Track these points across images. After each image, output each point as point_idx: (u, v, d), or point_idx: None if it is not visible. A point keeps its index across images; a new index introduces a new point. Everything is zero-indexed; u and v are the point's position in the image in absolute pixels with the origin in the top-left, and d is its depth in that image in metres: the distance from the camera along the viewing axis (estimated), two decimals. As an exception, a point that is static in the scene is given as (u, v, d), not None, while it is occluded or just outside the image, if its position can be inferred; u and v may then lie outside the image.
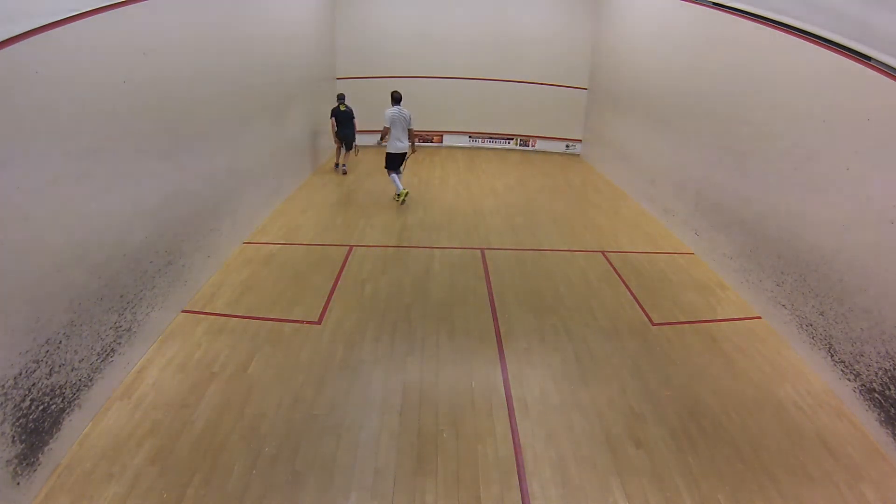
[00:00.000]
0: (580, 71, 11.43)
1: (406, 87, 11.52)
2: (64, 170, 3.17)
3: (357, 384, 3.94)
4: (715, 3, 6.11)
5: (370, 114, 11.73)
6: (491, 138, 12.21)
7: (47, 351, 3.06)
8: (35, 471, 2.92)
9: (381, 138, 7.97)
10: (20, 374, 2.85)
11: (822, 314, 4.27)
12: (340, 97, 9.79)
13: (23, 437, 2.85)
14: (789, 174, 4.75)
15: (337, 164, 10.14)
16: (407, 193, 8.03)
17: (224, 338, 4.44)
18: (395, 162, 8.00)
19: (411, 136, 7.95)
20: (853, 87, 4.01)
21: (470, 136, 12.19)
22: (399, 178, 8.10)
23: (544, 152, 12.09)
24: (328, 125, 9.63)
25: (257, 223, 6.86)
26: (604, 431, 3.56)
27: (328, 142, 11.09)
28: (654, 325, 4.91)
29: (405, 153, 7.99)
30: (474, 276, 5.75)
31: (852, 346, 3.91)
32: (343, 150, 9.94)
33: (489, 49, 11.43)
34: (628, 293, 5.49)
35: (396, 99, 7.93)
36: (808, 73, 4.53)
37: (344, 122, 9.74)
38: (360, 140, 10.13)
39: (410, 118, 7.91)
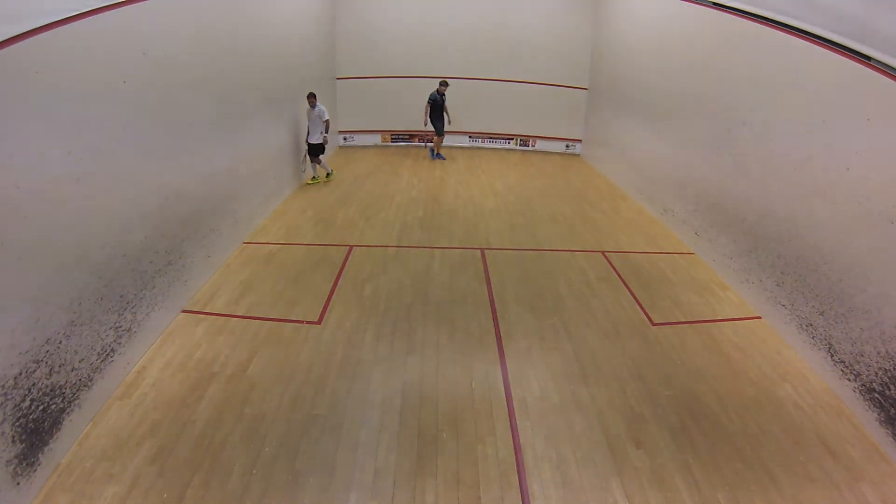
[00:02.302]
0: (580, 71, 11.42)
1: (406, 87, 11.61)
2: (64, 170, 3.18)
3: (357, 384, 3.95)
4: (715, 4, 6.11)
5: (370, 113, 11.80)
6: (491, 138, 12.20)
7: (47, 351, 3.06)
8: (35, 471, 2.92)
9: (327, 131, 8.70)
10: (20, 374, 2.85)
11: (822, 314, 4.27)
12: (443, 84, 10.60)
13: (23, 437, 2.85)
14: (789, 174, 4.75)
15: (439, 153, 11.19)
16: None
17: (224, 338, 4.44)
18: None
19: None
20: (853, 87, 4.01)
21: (470, 136, 12.18)
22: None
23: (544, 152, 12.08)
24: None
25: (257, 223, 6.86)
26: (604, 431, 3.56)
27: (329, 142, 11.06)
28: (654, 325, 4.91)
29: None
30: (474, 276, 5.75)
31: (852, 346, 3.91)
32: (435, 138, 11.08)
33: (489, 49, 11.42)
34: (628, 293, 5.49)
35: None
36: (808, 73, 4.53)
37: (441, 109, 10.70)
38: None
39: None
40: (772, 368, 4.31)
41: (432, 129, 10.91)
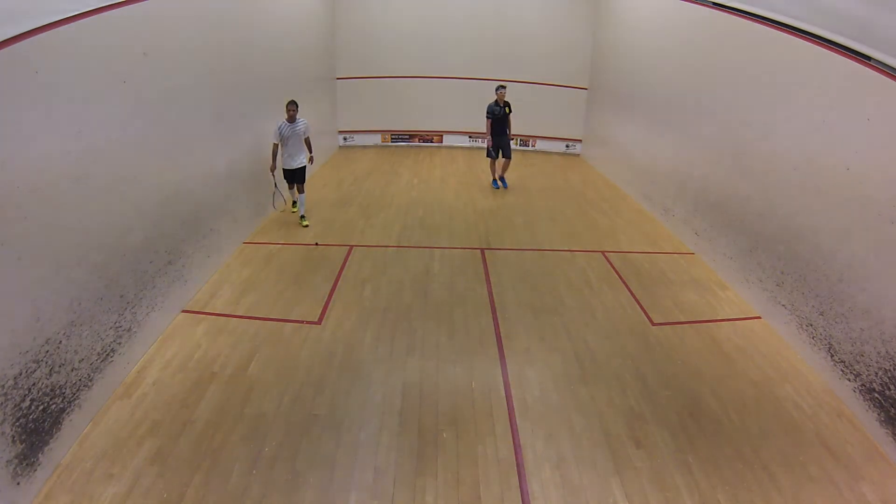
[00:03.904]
0: (580, 71, 11.41)
1: (406, 87, 11.60)
2: (64, 169, 3.18)
3: (357, 384, 3.95)
4: (715, 4, 6.11)
5: (370, 113, 11.79)
6: (491, 138, 12.19)
7: (47, 351, 3.06)
8: (35, 471, 2.92)
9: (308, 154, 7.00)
10: (20, 374, 2.85)
11: (822, 314, 4.27)
12: (500, 88, 8.44)
13: (23, 437, 2.85)
14: (789, 174, 4.75)
15: (495, 179, 9.03)
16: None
17: (224, 338, 4.44)
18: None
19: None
20: (853, 87, 4.01)
21: (470, 137, 12.17)
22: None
23: (544, 152, 12.07)
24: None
25: (257, 223, 6.86)
26: (604, 431, 3.56)
27: (329, 142, 11.10)
28: (654, 325, 4.91)
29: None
30: (474, 276, 5.75)
31: (852, 346, 3.91)
32: (500, 160, 8.86)
33: (489, 49, 11.42)
34: (628, 293, 5.48)
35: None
36: (809, 73, 4.53)
37: (501, 123, 8.57)
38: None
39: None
40: (772, 368, 4.31)
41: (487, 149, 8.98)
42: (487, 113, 8.63)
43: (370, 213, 7.64)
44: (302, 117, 6.70)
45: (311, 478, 3.12)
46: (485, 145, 9.01)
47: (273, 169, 6.59)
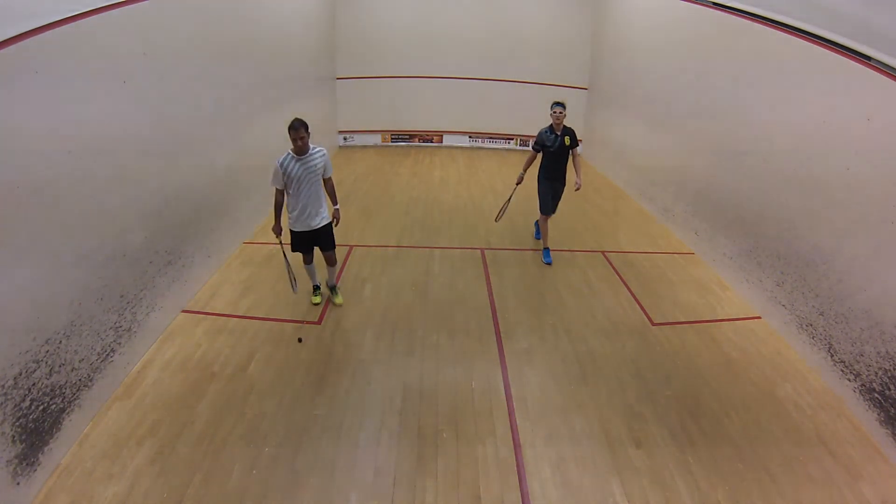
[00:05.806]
0: (580, 71, 11.42)
1: (406, 87, 11.61)
2: (64, 170, 3.18)
3: (357, 384, 3.95)
4: (715, 3, 6.11)
5: (370, 113, 11.79)
6: (491, 138, 12.20)
7: (47, 351, 3.06)
8: (35, 471, 2.92)
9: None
10: (20, 374, 2.85)
11: (822, 314, 4.27)
12: (556, 106, 5.58)
13: (23, 437, 2.85)
14: (789, 174, 4.75)
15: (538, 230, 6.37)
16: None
17: (224, 338, 4.44)
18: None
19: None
20: (853, 87, 4.01)
21: (470, 136, 12.18)
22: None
23: (544, 152, 12.08)
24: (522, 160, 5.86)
25: (257, 223, 6.85)
26: (604, 431, 3.56)
27: (329, 141, 11.08)
28: (654, 325, 4.91)
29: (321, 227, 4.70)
30: (474, 276, 5.74)
31: (852, 346, 3.91)
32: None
33: (489, 49, 11.43)
34: (628, 293, 5.48)
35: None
36: (809, 73, 4.53)
37: (558, 160, 5.78)
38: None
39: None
40: (772, 368, 4.31)
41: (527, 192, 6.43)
42: (535, 143, 5.81)
43: (370, 213, 7.64)
44: (319, 146, 4.42)
45: (311, 478, 3.11)
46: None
47: (278, 231, 4.47)
